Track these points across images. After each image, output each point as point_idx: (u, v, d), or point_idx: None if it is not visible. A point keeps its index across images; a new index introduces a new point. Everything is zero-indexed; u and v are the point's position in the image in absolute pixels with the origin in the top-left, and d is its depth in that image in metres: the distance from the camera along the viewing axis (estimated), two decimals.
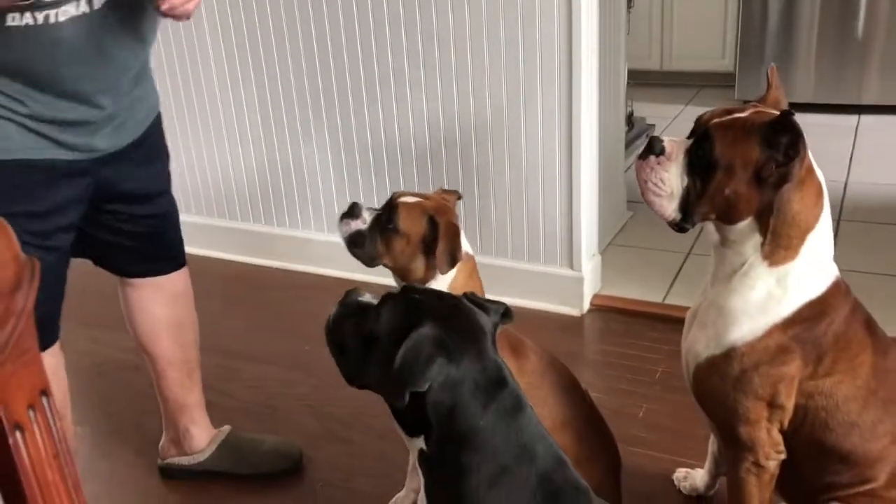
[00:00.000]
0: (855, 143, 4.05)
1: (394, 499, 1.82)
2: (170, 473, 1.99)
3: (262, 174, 3.06)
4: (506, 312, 1.17)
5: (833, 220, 1.41)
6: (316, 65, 2.76)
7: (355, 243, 1.53)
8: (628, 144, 3.68)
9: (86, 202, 1.57)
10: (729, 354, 1.39)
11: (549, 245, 2.61)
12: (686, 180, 1.34)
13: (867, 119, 4.36)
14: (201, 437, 1.97)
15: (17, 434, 0.58)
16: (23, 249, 0.57)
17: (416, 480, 1.76)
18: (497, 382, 1.06)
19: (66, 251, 1.57)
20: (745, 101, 4.88)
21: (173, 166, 1.81)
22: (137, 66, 1.54)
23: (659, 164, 1.36)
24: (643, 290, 2.72)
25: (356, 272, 2.34)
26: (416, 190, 2.72)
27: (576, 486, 1.08)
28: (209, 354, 2.47)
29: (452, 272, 1.50)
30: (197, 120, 3.09)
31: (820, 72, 4.51)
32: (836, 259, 1.40)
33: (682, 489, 1.83)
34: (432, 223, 1.49)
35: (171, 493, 1.96)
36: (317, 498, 1.91)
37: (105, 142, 1.53)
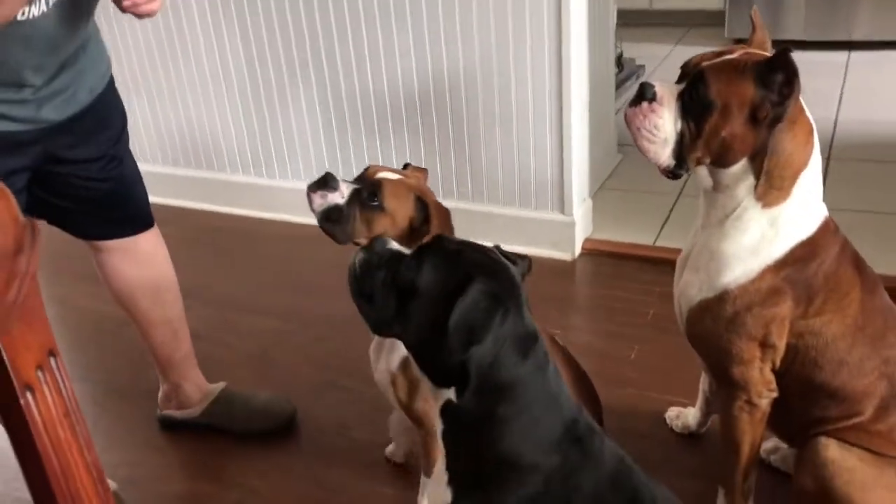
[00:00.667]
0: (845, 80, 4.03)
1: (387, 450, 1.86)
2: (168, 424, 2.02)
3: (248, 124, 3.03)
4: (528, 264, 1.15)
5: (823, 158, 1.41)
6: (300, 7, 2.72)
7: (330, 218, 1.40)
8: (618, 86, 3.65)
9: (35, 168, 1.56)
10: (722, 297, 1.41)
11: (541, 190, 2.61)
12: (680, 125, 1.34)
13: (857, 56, 4.34)
14: (192, 392, 1.99)
15: (28, 395, 0.59)
16: None
17: (401, 434, 1.80)
18: (533, 336, 1.05)
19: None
20: (736, 41, 4.86)
21: (160, 119, 1.79)
22: (81, 41, 1.53)
23: (652, 110, 1.34)
24: (634, 234, 2.74)
25: None
26: (394, 158, 2.74)
27: (592, 429, 1.10)
28: (204, 306, 2.50)
29: None
30: (182, 73, 3.04)
31: (810, 8, 4.45)
32: (826, 198, 1.42)
33: (674, 427, 1.88)
34: (420, 203, 1.40)
35: (170, 445, 2.00)
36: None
37: (53, 113, 1.51)
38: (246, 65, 2.92)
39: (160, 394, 2.02)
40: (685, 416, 1.88)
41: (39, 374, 0.58)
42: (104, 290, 1.87)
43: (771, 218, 1.37)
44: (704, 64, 1.33)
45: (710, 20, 4.89)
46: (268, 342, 2.37)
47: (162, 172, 3.24)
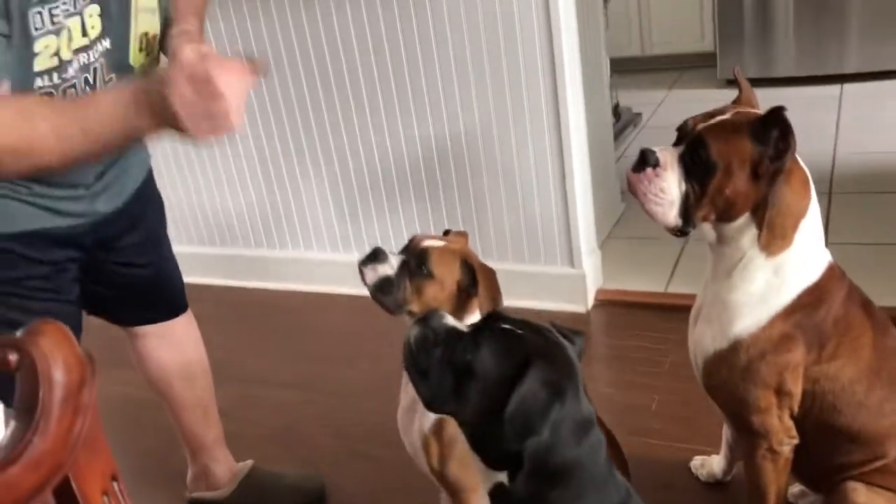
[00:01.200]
0: (840, 113, 4.09)
1: None
2: None
3: (261, 203, 3.11)
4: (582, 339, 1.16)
5: (824, 193, 1.45)
6: (305, 96, 2.81)
7: (382, 290, 1.45)
8: (616, 136, 3.73)
9: (86, 258, 1.61)
10: (735, 347, 1.43)
11: (549, 245, 2.65)
12: (684, 186, 1.38)
13: (850, 87, 4.41)
14: (222, 473, 2.01)
15: None
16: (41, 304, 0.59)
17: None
18: (590, 420, 1.05)
19: (79, 301, 1.62)
20: (728, 81, 4.88)
21: (181, 201, 1.84)
22: None
23: (656, 174, 1.38)
24: (645, 281, 2.77)
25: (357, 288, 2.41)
26: (404, 225, 2.79)
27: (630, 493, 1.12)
28: (226, 383, 2.52)
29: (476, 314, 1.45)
30: (200, 157, 3.12)
31: (800, 44, 4.54)
32: (830, 232, 1.45)
33: (699, 476, 1.88)
34: (467, 267, 1.45)
35: None
36: None
37: (106, 205, 1.56)
38: (259, 147, 2.99)
39: (189, 476, 2.04)
40: (710, 464, 1.88)
41: (105, 499, 0.61)
42: (126, 373, 1.91)
43: (776, 266, 1.40)
44: (701, 126, 1.38)
45: (703, 62, 4.98)
46: (290, 415, 2.39)
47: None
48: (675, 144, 1.41)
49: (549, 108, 2.46)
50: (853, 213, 2.94)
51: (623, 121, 3.85)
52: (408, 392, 1.56)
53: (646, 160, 1.39)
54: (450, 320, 1.10)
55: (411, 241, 1.51)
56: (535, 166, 2.56)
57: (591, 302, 2.69)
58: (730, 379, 1.46)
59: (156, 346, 1.87)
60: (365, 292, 1.48)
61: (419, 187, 2.77)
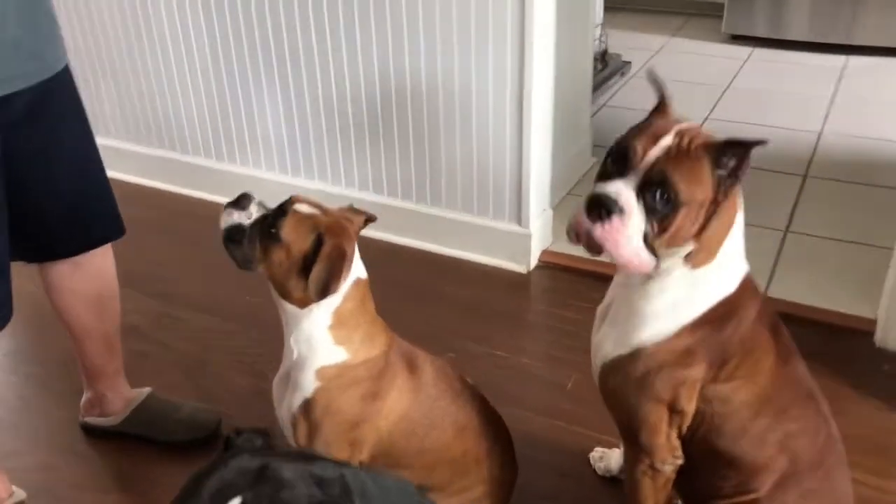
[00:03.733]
0: (838, 87, 3.92)
1: None
2: (90, 431, 1.99)
3: (211, 111, 2.97)
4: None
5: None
6: (266, 8, 2.64)
7: (232, 238, 1.38)
8: (600, 84, 3.56)
9: None
10: (635, 355, 1.36)
11: (498, 201, 2.54)
12: (645, 227, 1.23)
13: (855, 61, 4.21)
14: (117, 401, 1.96)
15: None
16: None
17: None
18: None
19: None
20: (733, 37, 4.67)
21: (122, 93, 1.70)
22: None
23: (623, 224, 1.22)
24: None
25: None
26: (355, 157, 2.68)
27: None
28: (146, 299, 2.47)
29: (339, 297, 1.36)
30: (145, 48, 2.97)
31: (815, 6, 4.31)
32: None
33: (596, 469, 1.84)
34: (319, 241, 1.33)
35: (92, 451, 1.97)
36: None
37: None
38: (212, 53, 2.84)
39: (83, 400, 1.99)
40: (608, 458, 1.83)
41: None
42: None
43: (695, 278, 1.31)
44: (660, 161, 1.22)
45: (710, 11, 4.76)
46: (206, 343, 2.33)
47: (126, 149, 3.19)
48: (619, 171, 1.25)
49: (514, 54, 2.30)
50: (822, 202, 2.82)
51: (610, 68, 3.67)
52: (284, 364, 1.49)
53: (609, 209, 1.22)
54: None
55: (288, 199, 1.40)
56: (494, 116, 2.42)
57: (533, 262, 2.60)
58: (624, 387, 1.39)
59: (69, 275, 1.77)
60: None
61: (374, 123, 2.63)
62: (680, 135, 1.24)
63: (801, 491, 1.33)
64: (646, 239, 1.24)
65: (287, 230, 1.34)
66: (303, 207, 1.38)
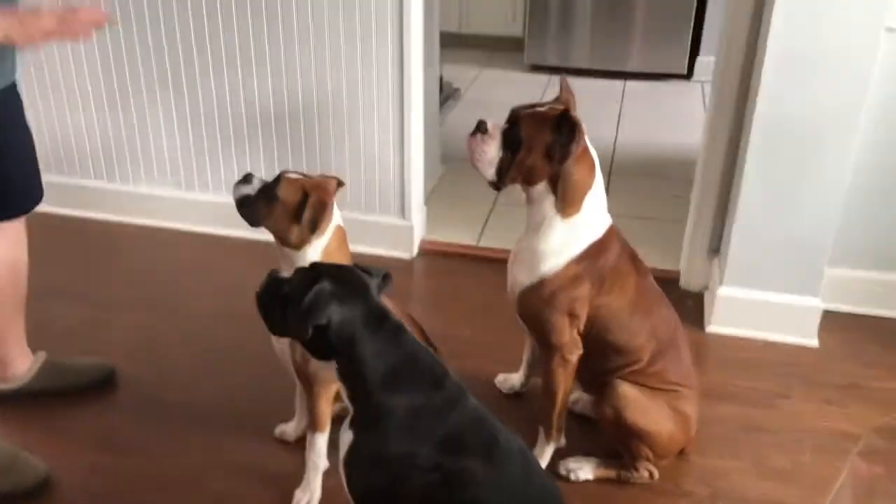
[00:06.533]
0: (622, 106, 4.80)
1: (277, 430, 2.20)
2: None
3: (108, 129, 3.19)
4: (385, 276, 1.57)
5: (605, 173, 1.95)
6: (162, 36, 2.95)
7: (243, 204, 1.85)
8: (440, 106, 4.14)
9: None
10: (541, 282, 1.91)
11: (384, 198, 3.03)
12: (501, 153, 1.85)
13: (631, 84, 5.14)
14: (21, 366, 2.24)
15: None
16: None
17: (302, 414, 2.14)
18: (381, 317, 1.47)
19: None
20: (532, 66, 5.45)
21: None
22: None
23: (483, 140, 1.87)
24: (460, 236, 3.23)
25: (204, 226, 2.77)
26: (249, 166, 3.06)
27: (457, 385, 1.53)
28: (72, 304, 2.69)
29: (325, 239, 1.82)
30: (46, 77, 3.15)
31: (594, 39, 5.17)
32: (609, 206, 1.95)
33: (502, 389, 2.36)
34: (305, 195, 1.78)
35: None
36: None
37: None
38: (108, 81, 3.08)
39: None
40: (511, 379, 2.37)
41: None
42: None
43: (570, 226, 1.89)
44: (522, 112, 1.85)
45: (512, 46, 5.52)
46: (148, 335, 2.60)
47: None
48: (506, 123, 1.87)
49: (395, 73, 2.81)
50: (626, 191, 3.58)
51: (445, 93, 4.28)
52: None
53: (480, 128, 1.86)
54: (282, 273, 1.57)
55: (280, 173, 1.87)
56: (379, 128, 2.91)
57: (415, 250, 3.11)
58: (537, 306, 1.93)
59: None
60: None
61: (268, 137, 3.02)
62: (550, 108, 1.85)
63: (664, 361, 1.95)
64: (502, 163, 1.85)
65: (282, 190, 1.81)
66: (291, 175, 1.86)
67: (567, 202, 1.86)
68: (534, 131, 1.82)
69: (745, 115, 2.56)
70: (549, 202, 1.87)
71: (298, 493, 1.96)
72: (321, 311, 1.41)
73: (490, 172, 1.88)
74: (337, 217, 1.87)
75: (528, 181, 1.87)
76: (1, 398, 2.22)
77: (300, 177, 1.86)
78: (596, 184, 1.90)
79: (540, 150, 1.82)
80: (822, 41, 2.27)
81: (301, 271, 1.51)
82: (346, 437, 1.52)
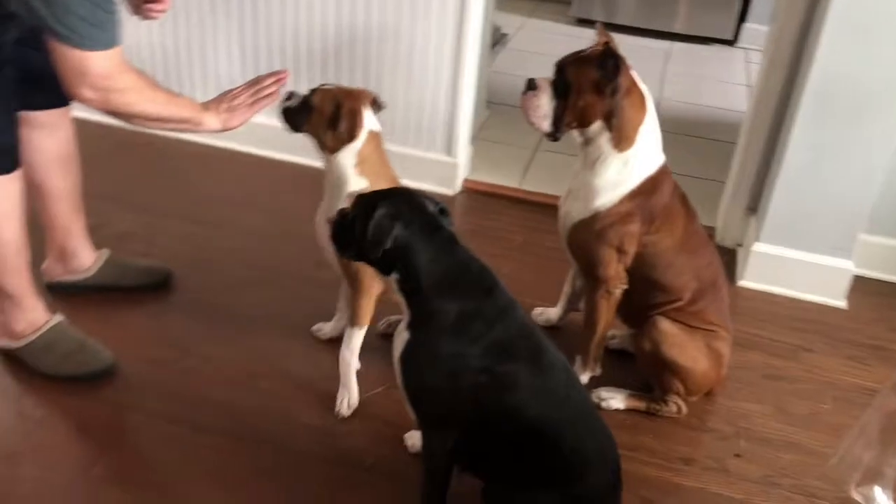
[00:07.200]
0: (667, 66, 4.82)
1: (314, 328, 2.33)
2: (57, 290, 2.34)
3: (170, 45, 3.27)
4: (442, 209, 1.65)
5: None
6: None
7: (286, 114, 1.97)
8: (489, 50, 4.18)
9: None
10: (594, 216, 2.00)
11: (431, 134, 3.10)
12: (554, 103, 1.93)
13: (676, 45, 5.15)
14: (86, 259, 2.35)
15: None
16: None
17: (343, 317, 2.26)
18: (436, 227, 1.59)
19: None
20: (579, 20, 5.44)
21: None
22: None
23: (535, 96, 1.94)
24: (502, 178, 3.31)
25: (257, 148, 2.79)
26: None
27: (506, 295, 1.63)
28: (129, 211, 2.80)
29: (359, 143, 1.93)
30: None
31: None
32: None
33: (539, 322, 2.46)
34: (338, 104, 1.92)
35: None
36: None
37: None
38: None
39: (46, 264, 2.33)
40: (548, 313, 2.46)
41: None
42: None
43: (624, 160, 1.96)
44: (566, 60, 1.94)
45: None
46: (201, 245, 2.70)
47: None
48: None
49: (455, 9, 2.86)
50: (669, 149, 3.62)
51: (493, 38, 4.30)
52: (322, 204, 2.04)
53: (530, 86, 1.95)
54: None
55: (318, 86, 2.00)
56: (434, 63, 2.97)
57: (458, 188, 3.19)
58: (587, 239, 2.02)
59: (46, 136, 2.11)
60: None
61: (324, 67, 3.08)
62: (592, 50, 1.91)
63: (705, 301, 2.05)
64: (556, 112, 1.93)
65: (317, 100, 1.95)
66: (327, 86, 1.99)
67: (621, 135, 1.93)
68: (580, 72, 1.90)
69: (797, 79, 2.60)
70: (604, 138, 1.94)
71: (342, 391, 2.10)
72: (386, 235, 1.53)
73: (546, 124, 1.95)
74: (372, 123, 1.98)
75: (583, 122, 1.93)
76: (67, 290, 2.35)
77: (334, 87, 2.00)
78: (648, 117, 1.97)
79: (589, 88, 1.89)
80: (883, 5, 2.31)
81: (360, 201, 1.62)
82: (402, 336, 1.63)
